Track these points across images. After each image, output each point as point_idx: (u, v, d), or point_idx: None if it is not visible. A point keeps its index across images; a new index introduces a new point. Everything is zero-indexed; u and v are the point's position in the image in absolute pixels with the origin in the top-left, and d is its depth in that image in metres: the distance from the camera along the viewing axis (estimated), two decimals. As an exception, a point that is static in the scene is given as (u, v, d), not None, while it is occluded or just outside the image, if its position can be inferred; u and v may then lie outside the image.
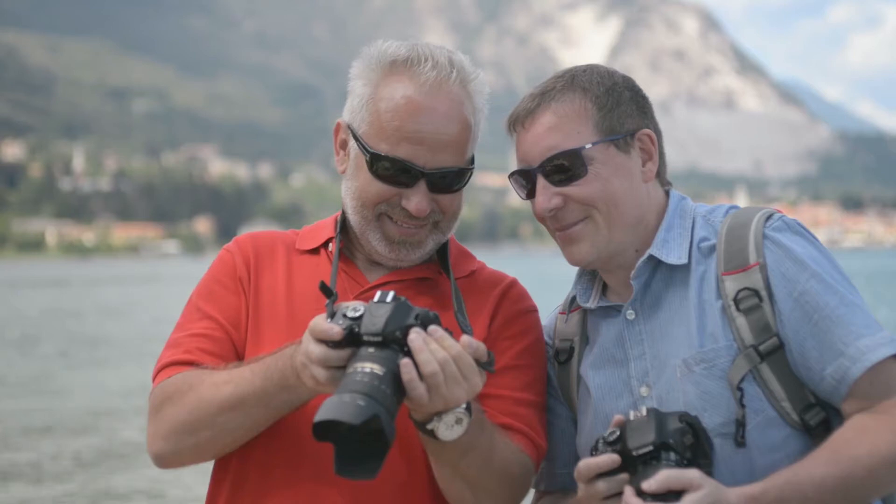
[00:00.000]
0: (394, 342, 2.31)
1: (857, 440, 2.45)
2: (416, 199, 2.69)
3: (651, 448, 2.41)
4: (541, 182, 2.67)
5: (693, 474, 2.36)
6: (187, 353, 2.70)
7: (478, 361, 2.37)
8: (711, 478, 2.40)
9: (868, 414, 2.49)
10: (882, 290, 52.77)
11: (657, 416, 2.45)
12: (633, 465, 2.42)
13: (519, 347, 2.79)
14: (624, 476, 2.43)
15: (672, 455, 2.41)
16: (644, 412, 2.47)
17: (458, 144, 2.71)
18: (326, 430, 2.21)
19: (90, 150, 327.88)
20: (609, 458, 2.43)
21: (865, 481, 2.43)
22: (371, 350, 2.30)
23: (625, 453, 2.43)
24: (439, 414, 2.39)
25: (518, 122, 2.72)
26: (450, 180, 2.72)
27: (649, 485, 2.34)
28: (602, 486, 2.44)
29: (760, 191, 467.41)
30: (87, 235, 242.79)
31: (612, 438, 2.46)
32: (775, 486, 2.41)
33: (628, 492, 2.38)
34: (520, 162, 2.73)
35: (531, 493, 2.89)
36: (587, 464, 2.46)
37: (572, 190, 2.65)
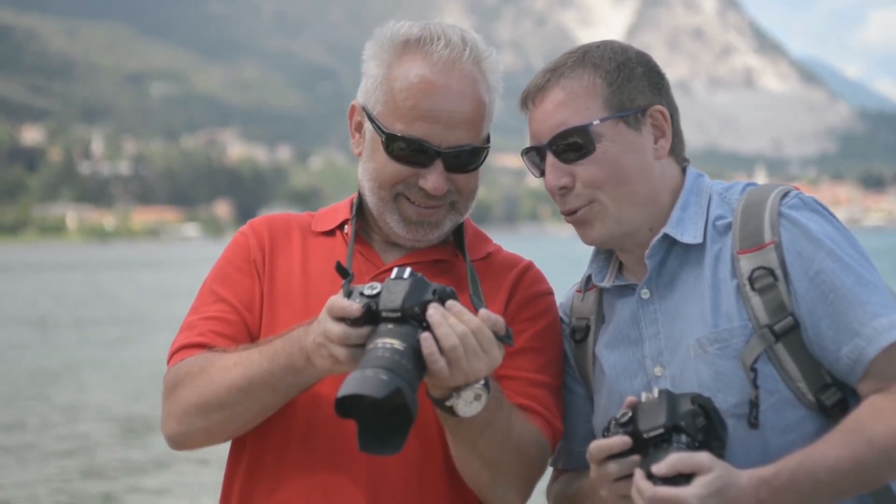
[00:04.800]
0: (412, 317, 2.32)
1: (872, 422, 2.41)
2: (433, 178, 2.69)
3: (662, 430, 2.39)
4: (550, 159, 2.66)
5: (703, 457, 2.34)
6: (201, 336, 2.73)
7: (496, 335, 2.38)
8: (723, 460, 2.38)
9: (884, 395, 2.45)
10: (904, 268, 52.33)
11: (669, 398, 2.44)
12: (645, 447, 2.40)
13: (535, 330, 2.79)
14: (635, 458, 2.41)
15: (683, 437, 2.40)
16: (656, 394, 2.45)
17: (473, 122, 2.71)
18: (349, 406, 2.21)
19: (109, 134, 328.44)
20: (620, 440, 2.41)
21: (880, 463, 2.40)
22: (390, 326, 2.31)
23: (636, 435, 2.41)
24: (458, 390, 2.39)
25: (529, 98, 2.71)
26: (465, 159, 2.72)
27: (659, 468, 2.32)
28: (613, 467, 2.42)
29: (780, 170, 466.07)
30: (107, 219, 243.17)
31: (623, 420, 2.44)
32: (787, 469, 2.38)
33: (638, 474, 2.36)
34: (532, 139, 2.72)
35: (546, 477, 2.85)
36: (598, 445, 2.44)
37: (580, 170, 2.63)
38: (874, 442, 2.39)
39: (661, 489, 2.32)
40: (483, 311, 2.39)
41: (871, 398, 2.46)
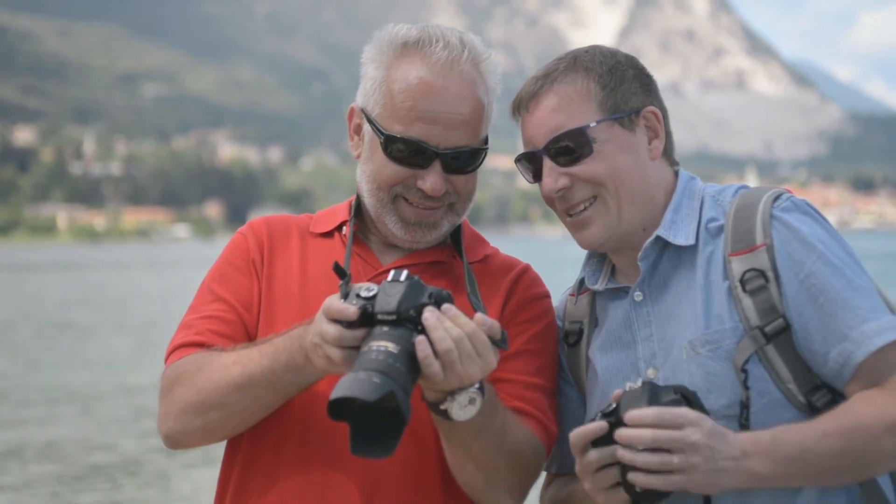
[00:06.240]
0: (408, 320, 2.32)
1: (862, 406, 2.43)
2: (432, 180, 2.70)
3: None
4: (547, 163, 2.67)
5: (687, 410, 2.37)
6: (199, 335, 2.73)
7: (492, 339, 2.38)
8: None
9: (875, 388, 2.47)
10: (893, 271, 52.76)
11: (651, 388, 2.43)
12: None
13: (531, 332, 2.80)
14: (615, 447, 2.39)
15: None
16: (639, 384, 2.44)
17: (472, 124, 2.72)
18: (341, 408, 2.21)
19: (101, 134, 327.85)
20: (597, 425, 2.40)
21: (867, 444, 2.40)
22: (385, 329, 2.31)
23: (619, 424, 2.39)
24: (452, 394, 2.38)
25: (522, 105, 2.73)
26: (464, 160, 2.73)
27: (642, 415, 2.34)
28: (594, 455, 2.41)
29: (771, 172, 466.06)
30: (97, 220, 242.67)
31: (608, 411, 2.43)
32: (775, 430, 2.43)
33: (620, 450, 2.38)
34: (526, 145, 2.74)
35: (540, 481, 2.87)
36: (576, 432, 2.43)
37: (578, 169, 2.65)
38: (863, 423, 2.40)
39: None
40: (479, 316, 2.38)
41: (861, 392, 2.48)
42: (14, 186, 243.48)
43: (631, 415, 2.36)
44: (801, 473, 2.42)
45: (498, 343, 2.39)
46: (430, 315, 2.32)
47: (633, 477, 2.36)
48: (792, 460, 2.40)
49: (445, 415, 2.42)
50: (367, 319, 2.34)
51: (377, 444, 2.26)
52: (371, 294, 2.35)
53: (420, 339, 2.30)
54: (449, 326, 2.33)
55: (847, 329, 2.48)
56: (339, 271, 2.45)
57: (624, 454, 2.36)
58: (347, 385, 2.18)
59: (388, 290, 2.34)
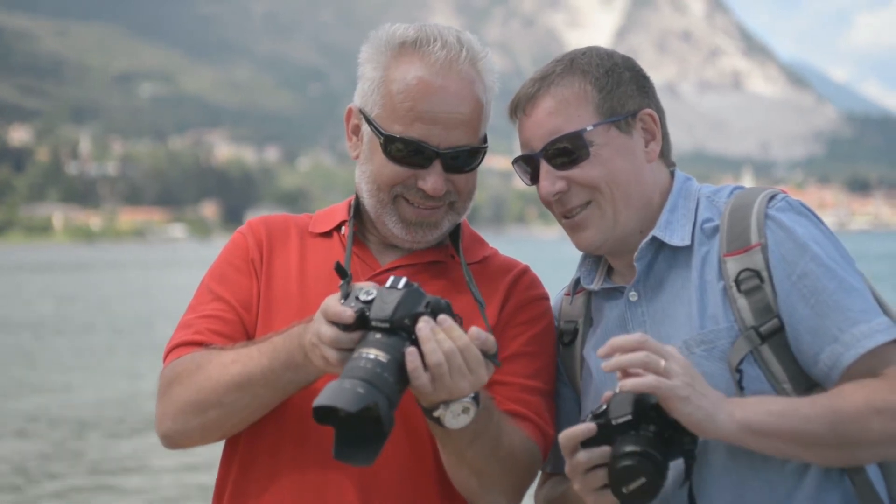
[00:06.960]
0: (402, 329, 2.31)
1: (853, 387, 2.43)
2: (432, 179, 2.69)
3: (629, 417, 2.36)
4: (544, 167, 2.68)
5: (671, 348, 2.40)
6: (198, 334, 2.72)
7: (485, 354, 2.36)
8: (694, 457, 2.41)
9: (868, 377, 2.46)
10: (889, 272, 52.74)
11: None
12: (614, 435, 2.38)
13: (529, 334, 2.79)
14: (605, 448, 2.38)
15: (652, 427, 2.36)
16: None
17: (471, 123, 2.72)
18: (326, 414, 2.23)
19: (97, 134, 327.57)
20: (585, 427, 2.39)
21: (855, 420, 2.40)
22: (378, 336, 2.30)
23: (607, 425, 2.38)
24: (446, 402, 2.38)
25: (519, 107, 2.73)
26: (464, 159, 2.72)
27: (626, 340, 2.37)
28: (583, 456, 2.40)
29: (767, 173, 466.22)
30: (93, 220, 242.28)
31: (599, 412, 2.41)
32: (759, 395, 2.47)
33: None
34: (523, 147, 2.74)
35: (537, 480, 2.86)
36: (566, 434, 2.41)
37: (575, 173, 2.66)
38: (852, 401, 2.40)
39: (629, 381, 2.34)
40: (473, 330, 2.37)
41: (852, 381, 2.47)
42: (10, 186, 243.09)
43: (615, 340, 2.38)
44: (785, 430, 2.40)
45: (491, 358, 2.38)
46: (424, 326, 2.32)
47: (623, 383, 2.35)
48: (774, 413, 2.40)
49: (439, 422, 2.42)
50: (363, 323, 2.33)
51: (361, 450, 2.26)
52: (370, 298, 2.34)
53: (410, 351, 2.29)
54: (442, 339, 2.32)
55: (838, 331, 2.48)
56: (341, 271, 2.44)
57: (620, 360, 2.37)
58: (331, 393, 2.19)
59: (385, 297, 2.33)
